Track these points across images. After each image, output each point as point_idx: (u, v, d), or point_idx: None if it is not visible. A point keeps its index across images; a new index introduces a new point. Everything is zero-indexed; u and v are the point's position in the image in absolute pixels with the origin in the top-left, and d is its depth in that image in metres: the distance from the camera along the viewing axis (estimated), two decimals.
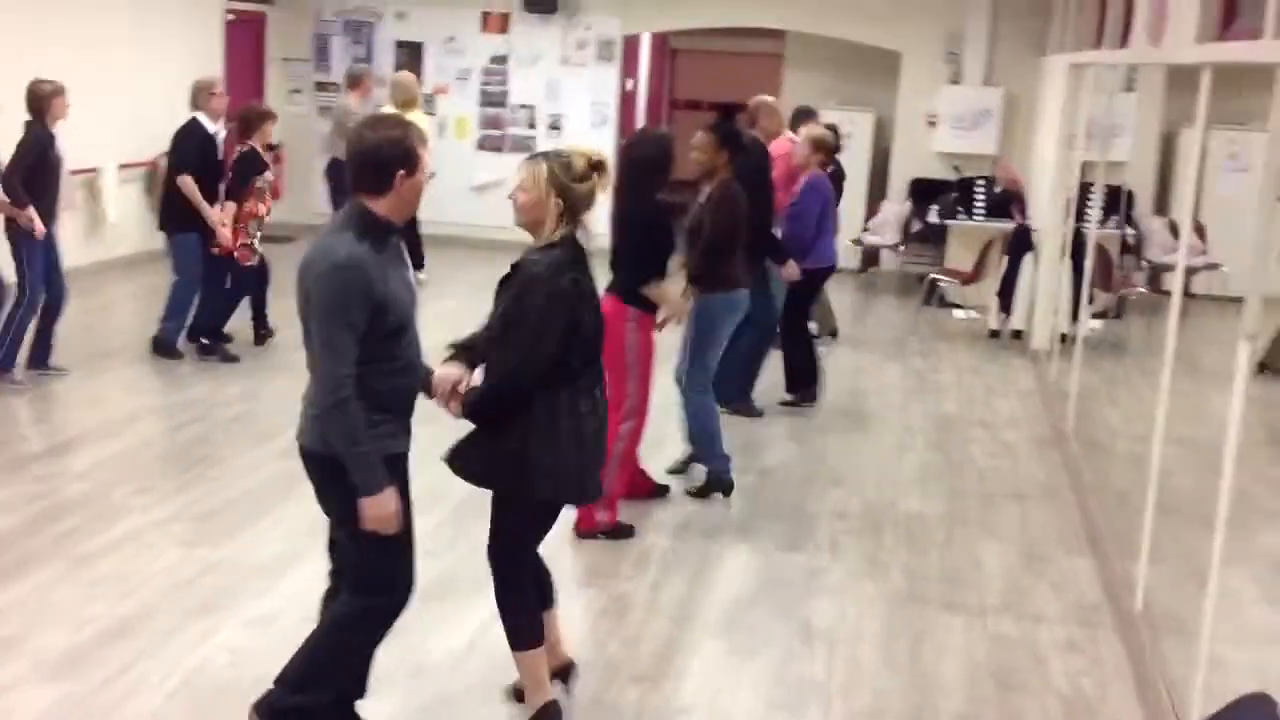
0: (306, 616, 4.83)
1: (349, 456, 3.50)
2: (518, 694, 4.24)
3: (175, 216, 8.55)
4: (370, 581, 3.72)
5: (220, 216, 8.40)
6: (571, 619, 5.00)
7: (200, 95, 8.55)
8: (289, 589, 5.18)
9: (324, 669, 3.82)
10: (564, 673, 4.35)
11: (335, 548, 3.86)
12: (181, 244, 8.55)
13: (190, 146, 8.47)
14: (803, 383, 8.28)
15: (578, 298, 3.88)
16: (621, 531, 5.90)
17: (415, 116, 11.00)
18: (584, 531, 5.84)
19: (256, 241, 8.66)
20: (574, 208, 3.89)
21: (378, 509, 3.54)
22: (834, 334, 10.24)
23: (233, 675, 4.47)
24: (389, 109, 10.82)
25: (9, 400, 7.55)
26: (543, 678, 4.11)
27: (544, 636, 4.13)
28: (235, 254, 8.49)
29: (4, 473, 6.37)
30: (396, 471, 3.65)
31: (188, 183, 8.38)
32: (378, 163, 3.50)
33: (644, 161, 5.78)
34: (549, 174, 3.85)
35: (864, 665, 4.82)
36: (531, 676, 4.10)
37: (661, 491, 6.47)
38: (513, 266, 3.95)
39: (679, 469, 6.75)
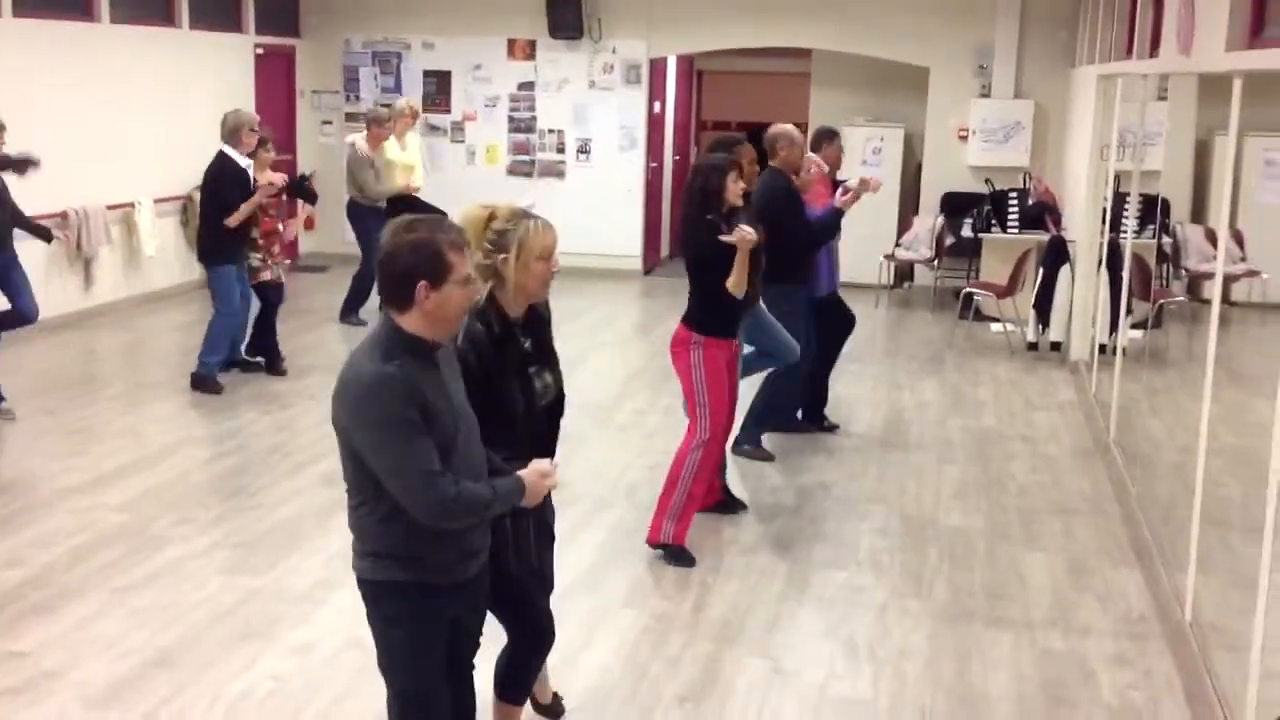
0: (347, 643, 4.87)
1: (492, 514, 3.26)
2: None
3: (212, 249, 8.62)
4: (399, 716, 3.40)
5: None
6: (613, 639, 5.00)
7: (239, 131, 8.51)
8: (330, 615, 5.17)
9: None
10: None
11: None
12: (219, 276, 8.60)
13: (232, 185, 8.48)
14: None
15: None
16: (680, 556, 5.84)
17: (410, 140, 10.90)
18: (651, 542, 5.87)
19: (253, 263, 8.87)
20: None
21: (532, 493, 3.31)
22: None
23: (277, 703, 4.47)
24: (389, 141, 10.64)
25: (47, 434, 7.61)
26: None
27: None
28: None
29: (44, 506, 6.41)
30: (443, 607, 3.29)
31: (237, 216, 8.43)
32: (396, 273, 3.05)
33: (695, 190, 5.77)
34: None
35: (910, 683, 4.76)
36: None
37: (731, 508, 6.45)
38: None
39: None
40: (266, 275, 8.93)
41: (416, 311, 3.06)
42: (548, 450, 3.67)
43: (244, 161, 8.58)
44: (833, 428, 8.03)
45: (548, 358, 3.78)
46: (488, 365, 3.54)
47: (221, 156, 8.53)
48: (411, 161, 10.83)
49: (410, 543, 3.18)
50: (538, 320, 3.77)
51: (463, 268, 3.09)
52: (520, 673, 3.96)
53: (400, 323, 3.09)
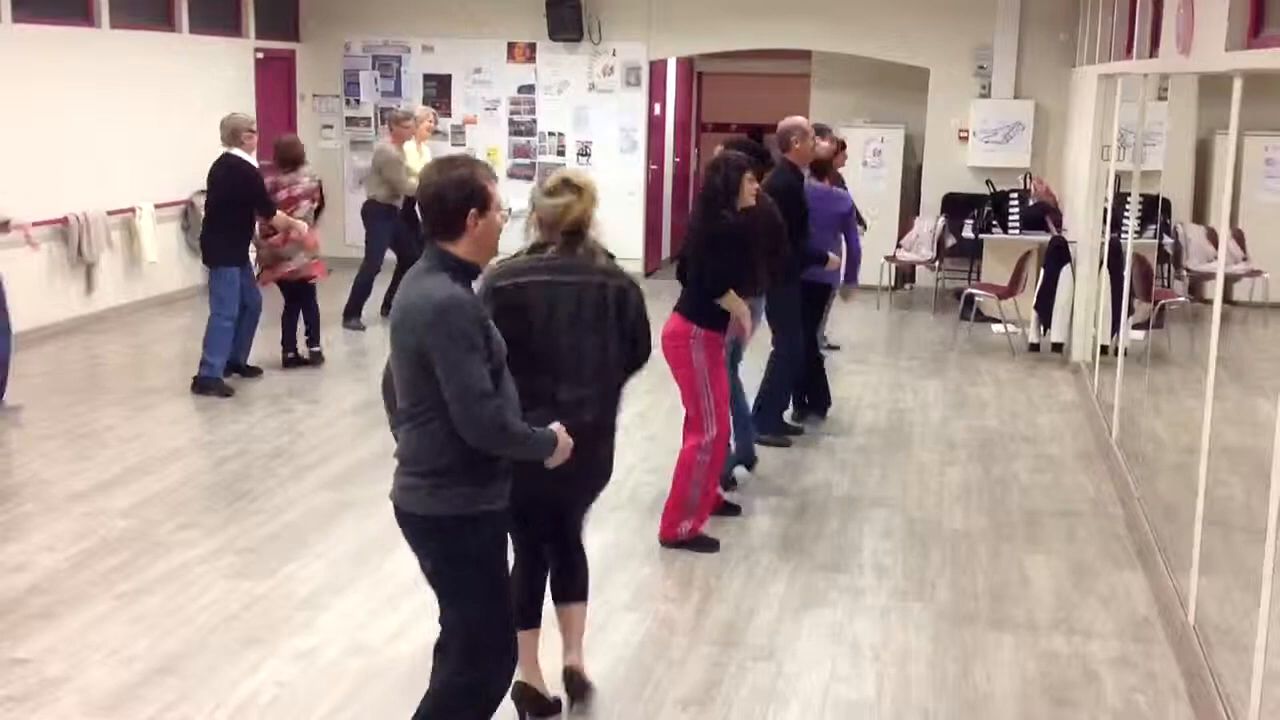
0: (351, 649, 4.88)
1: (527, 454, 3.57)
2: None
3: (218, 249, 8.64)
4: (467, 654, 3.58)
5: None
6: (617, 642, 4.99)
7: (240, 133, 8.61)
8: (334, 621, 5.18)
9: None
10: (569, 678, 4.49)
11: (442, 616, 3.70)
12: (222, 278, 8.61)
13: (257, 184, 8.61)
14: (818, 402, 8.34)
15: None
16: (703, 544, 5.91)
17: (425, 149, 11.09)
18: (667, 541, 5.89)
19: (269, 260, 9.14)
20: (540, 219, 4.24)
21: (559, 451, 3.66)
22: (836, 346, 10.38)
23: (280, 710, 4.47)
24: (410, 144, 10.88)
25: (51, 439, 7.61)
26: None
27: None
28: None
29: (49, 512, 6.41)
30: (492, 532, 3.57)
31: (284, 219, 8.67)
32: (449, 206, 3.43)
33: (711, 185, 5.86)
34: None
35: (913, 685, 4.76)
36: None
37: (730, 510, 6.47)
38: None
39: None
40: (290, 267, 9.13)
41: (467, 238, 3.45)
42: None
43: (254, 162, 8.70)
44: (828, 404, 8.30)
45: None
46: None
47: (232, 158, 8.57)
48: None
49: (466, 460, 3.45)
50: None
51: (497, 195, 3.52)
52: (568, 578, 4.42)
53: (452, 250, 3.46)
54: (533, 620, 4.35)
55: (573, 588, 4.44)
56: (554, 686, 4.43)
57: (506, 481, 3.59)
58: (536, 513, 4.19)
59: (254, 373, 9.07)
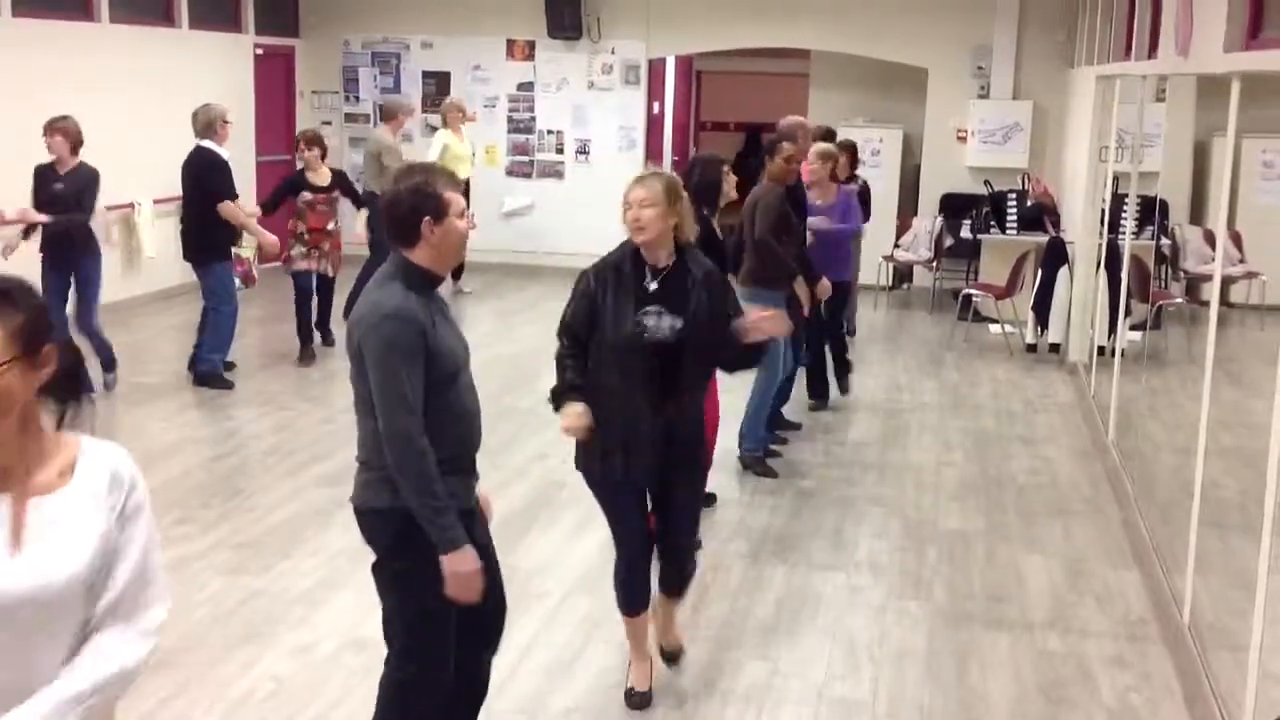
0: (347, 644, 4.88)
1: (424, 511, 3.36)
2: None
3: (202, 247, 8.61)
4: (405, 650, 3.56)
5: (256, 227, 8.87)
6: (613, 640, 4.99)
7: (214, 124, 8.57)
8: (330, 616, 5.18)
9: None
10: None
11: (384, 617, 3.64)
12: (213, 274, 8.61)
13: (220, 173, 8.55)
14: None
15: None
16: None
17: (464, 133, 11.77)
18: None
19: (294, 253, 9.34)
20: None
21: (457, 565, 3.39)
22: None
23: (277, 705, 4.48)
24: (444, 132, 11.54)
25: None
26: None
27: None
28: (280, 262, 9.31)
29: None
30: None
31: (230, 208, 8.54)
32: (402, 214, 3.40)
33: (695, 186, 5.87)
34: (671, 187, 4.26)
35: (909, 684, 4.77)
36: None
37: (707, 500, 6.48)
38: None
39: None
40: (303, 265, 9.28)
41: (424, 245, 3.41)
42: (661, 389, 4.20)
43: (225, 154, 8.61)
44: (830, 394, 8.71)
45: (675, 305, 4.22)
46: (602, 287, 4.23)
47: (202, 150, 8.53)
48: (465, 153, 11.66)
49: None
50: (683, 274, 4.26)
51: (459, 203, 3.45)
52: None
53: (411, 258, 3.43)
54: (641, 606, 4.54)
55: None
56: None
57: (468, 478, 3.56)
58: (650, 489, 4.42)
59: (229, 368, 9.04)
